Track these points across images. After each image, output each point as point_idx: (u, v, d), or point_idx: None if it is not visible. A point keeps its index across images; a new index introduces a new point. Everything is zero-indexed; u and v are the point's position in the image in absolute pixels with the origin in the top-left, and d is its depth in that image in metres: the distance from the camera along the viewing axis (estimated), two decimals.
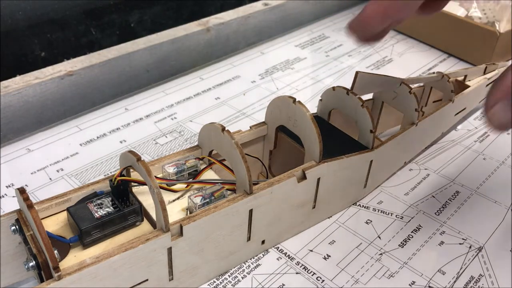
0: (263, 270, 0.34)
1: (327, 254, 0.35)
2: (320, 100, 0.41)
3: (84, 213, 0.29)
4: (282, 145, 0.39)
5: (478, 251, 0.36)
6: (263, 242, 0.35)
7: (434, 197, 0.41)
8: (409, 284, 0.33)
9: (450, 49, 0.62)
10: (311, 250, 0.36)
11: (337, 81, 0.56)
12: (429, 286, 0.33)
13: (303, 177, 0.34)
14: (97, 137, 0.46)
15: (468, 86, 0.47)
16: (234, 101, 0.52)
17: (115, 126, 0.48)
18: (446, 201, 0.40)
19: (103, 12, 0.57)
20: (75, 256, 0.28)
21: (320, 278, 0.34)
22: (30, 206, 0.25)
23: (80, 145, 0.45)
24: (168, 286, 0.31)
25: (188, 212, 0.31)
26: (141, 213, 0.30)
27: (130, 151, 0.29)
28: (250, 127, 0.38)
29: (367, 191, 0.40)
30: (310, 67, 0.59)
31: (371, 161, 0.38)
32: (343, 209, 0.39)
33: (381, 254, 0.35)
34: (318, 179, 0.35)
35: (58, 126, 0.47)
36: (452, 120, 0.47)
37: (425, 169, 0.44)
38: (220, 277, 0.33)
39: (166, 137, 0.46)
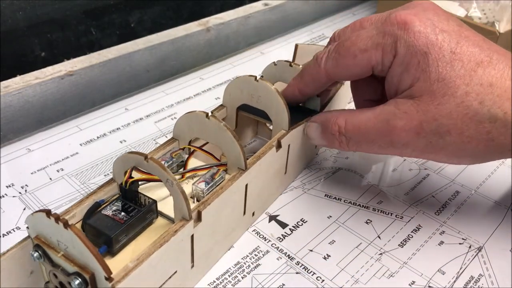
0: (263, 270, 0.34)
1: (327, 254, 0.35)
2: (261, 76, 0.42)
3: (105, 222, 0.28)
4: (243, 123, 0.41)
5: (478, 251, 0.36)
6: (253, 214, 0.37)
7: (434, 197, 0.41)
8: (409, 284, 0.33)
9: None
10: (311, 250, 0.36)
11: None
12: (429, 286, 0.33)
13: (279, 145, 0.37)
14: (97, 137, 0.46)
15: None
16: None
17: (115, 126, 0.48)
18: (446, 201, 0.40)
19: (103, 12, 0.57)
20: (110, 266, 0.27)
21: (320, 278, 0.34)
22: (67, 224, 0.24)
23: (80, 145, 0.45)
24: (191, 273, 0.32)
25: (196, 199, 0.32)
26: (156, 209, 0.31)
27: (131, 152, 0.29)
28: (212, 112, 0.38)
29: (316, 151, 0.45)
30: None
31: None
32: (302, 171, 0.43)
33: (381, 254, 0.35)
34: (289, 146, 0.38)
35: (58, 126, 0.47)
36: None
37: (425, 169, 0.44)
38: (220, 277, 0.33)
39: (166, 137, 0.46)
